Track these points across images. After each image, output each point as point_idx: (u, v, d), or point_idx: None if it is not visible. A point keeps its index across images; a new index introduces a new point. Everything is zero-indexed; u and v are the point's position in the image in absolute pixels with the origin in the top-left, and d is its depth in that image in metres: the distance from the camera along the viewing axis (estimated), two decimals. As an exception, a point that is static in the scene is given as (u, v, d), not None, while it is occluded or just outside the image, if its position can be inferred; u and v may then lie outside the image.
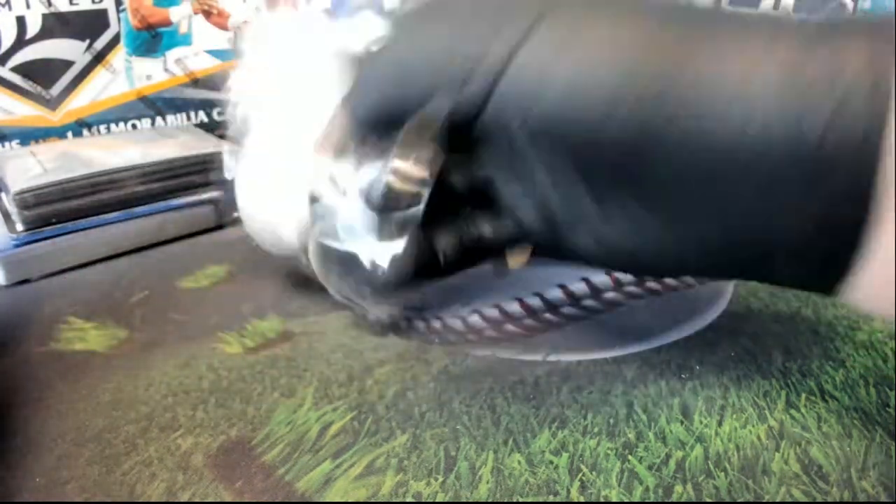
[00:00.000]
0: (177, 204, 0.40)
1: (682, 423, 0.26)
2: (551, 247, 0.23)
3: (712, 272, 0.27)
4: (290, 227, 0.26)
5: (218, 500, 0.22)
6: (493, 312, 0.33)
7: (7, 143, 0.46)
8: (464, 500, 0.23)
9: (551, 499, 0.23)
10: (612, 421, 0.26)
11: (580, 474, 0.24)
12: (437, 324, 0.32)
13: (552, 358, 0.30)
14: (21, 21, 0.44)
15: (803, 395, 0.28)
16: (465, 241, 0.24)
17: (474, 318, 0.33)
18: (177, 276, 0.37)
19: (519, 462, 0.24)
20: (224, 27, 0.52)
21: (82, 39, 0.46)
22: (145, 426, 0.26)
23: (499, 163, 0.22)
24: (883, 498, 0.23)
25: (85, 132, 0.49)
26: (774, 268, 0.20)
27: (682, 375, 0.29)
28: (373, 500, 0.23)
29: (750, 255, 0.20)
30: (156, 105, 0.51)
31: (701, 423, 0.26)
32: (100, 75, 0.48)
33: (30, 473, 0.23)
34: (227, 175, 0.27)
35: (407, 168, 0.21)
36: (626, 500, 0.23)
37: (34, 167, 0.38)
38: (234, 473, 0.24)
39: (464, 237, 0.24)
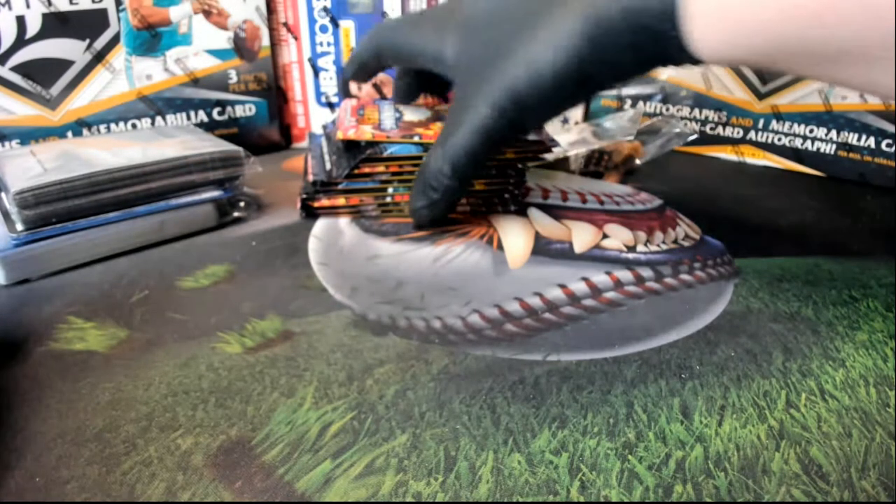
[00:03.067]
0: (177, 204, 0.40)
1: (682, 423, 0.26)
2: None
3: None
4: None
5: (218, 500, 0.22)
6: (493, 312, 0.33)
7: (7, 143, 0.46)
8: (464, 500, 0.23)
9: (551, 499, 0.23)
10: (612, 421, 0.26)
11: (580, 474, 0.24)
12: (437, 324, 0.32)
13: (552, 358, 0.30)
14: (21, 21, 0.44)
15: (803, 395, 0.28)
16: None
17: (474, 318, 0.33)
18: (177, 275, 0.37)
19: (519, 462, 0.24)
20: (224, 27, 0.52)
21: (82, 39, 0.46)
22: (145, 426, 0.26)
23: None
24: (883, 498, 0.23)
25: (85, 132, 0.49)
26: None
27: (682, 375, 0.29)
28: (373, 500, 0.23)
29: None
30: (156, 105, 0.51)
31: (701, 423, 0.26)
32: (100, 75, 0.48)
33: (30, 473, 0.23)
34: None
35: None
36: (626, 500, 0.23)
37: (34, 167, 0.38)
38: (234, 473, 0.24)
39: None
